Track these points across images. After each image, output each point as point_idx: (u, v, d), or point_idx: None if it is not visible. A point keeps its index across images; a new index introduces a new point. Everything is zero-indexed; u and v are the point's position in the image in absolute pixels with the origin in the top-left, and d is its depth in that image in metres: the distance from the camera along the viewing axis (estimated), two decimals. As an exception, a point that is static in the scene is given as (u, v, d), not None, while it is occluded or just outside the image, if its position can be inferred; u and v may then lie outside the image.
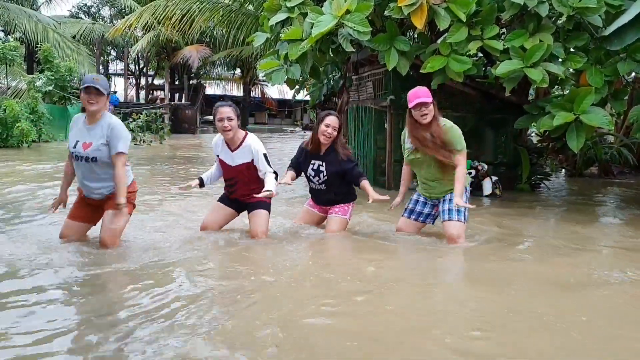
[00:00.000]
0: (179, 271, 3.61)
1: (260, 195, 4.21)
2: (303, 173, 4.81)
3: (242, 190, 4.48)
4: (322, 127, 4.58)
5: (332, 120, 4.61)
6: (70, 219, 4.17)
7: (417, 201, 4.75)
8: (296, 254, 4.21)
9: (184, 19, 12.46)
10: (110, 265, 3.69)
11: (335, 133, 4.61)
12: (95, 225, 4.24)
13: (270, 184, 4.25)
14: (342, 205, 4.79)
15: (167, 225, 5.01)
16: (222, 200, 4.63)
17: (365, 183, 4.63)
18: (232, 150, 4.39)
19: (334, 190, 4.72)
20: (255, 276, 3.58)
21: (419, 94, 4.33)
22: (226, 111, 4.23)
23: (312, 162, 4.70)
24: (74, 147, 3.94)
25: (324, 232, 4.77)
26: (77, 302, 3.07)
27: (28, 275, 3.43)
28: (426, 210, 4.71)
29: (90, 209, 4.15)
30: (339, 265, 4.01)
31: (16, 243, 4.16)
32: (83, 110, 4.11)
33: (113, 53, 35.95)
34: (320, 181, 4.69)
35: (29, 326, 2.65)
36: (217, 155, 4.52)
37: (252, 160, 4.34)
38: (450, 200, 4.48)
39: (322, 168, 4.65)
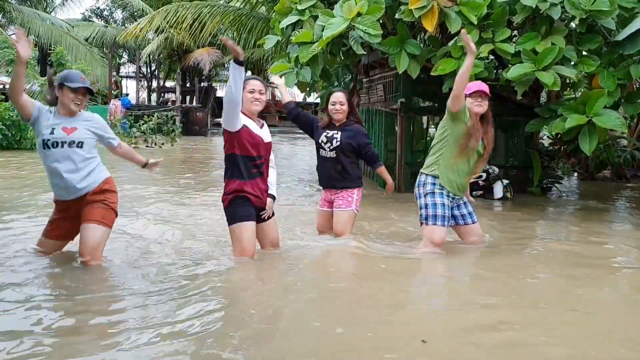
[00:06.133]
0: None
1: (269, 207, 4.01)
2: (315, 142, 4.68)
3: (265, 172, 3.98)
4: (330, 106, 4.58)
5: (335, 96, 4.56)
6: (45, 237, 3.88)
7: (446, 205, 4.30)
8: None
9: (195, 23, 12.50)
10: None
11: (343, 107, 4.53)
12: (72, 240, 3.91)
13: (274, 186, 4.10)
14: (344, 193, 4.54)
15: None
16: (247, 216, 3.86)
17: (383, 169, 4.68)
18: (260, 127, 3.95)
19: (342, 162, 4.52)
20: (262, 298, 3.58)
21: (480, 85, 4.32)
22: (258, 84, 3.89)
23: (327, 131, 4.59)
24: (51, 133, 3.58)
25: (334, 233, 4.58)
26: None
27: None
28: (449, 214, 4.38)
29: (68, 222, 3.79)
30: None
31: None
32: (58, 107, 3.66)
33: (125, 56, 36.21)
34: (331, 147, 4.52)
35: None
36: (243, 126, 3.80)
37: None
38: (468, 203, 4.54)
39: (337, 136, 4.53)
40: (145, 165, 4.08)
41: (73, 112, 3.66)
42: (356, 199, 4.56)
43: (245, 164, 3.82)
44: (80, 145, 3.64)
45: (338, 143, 4.50)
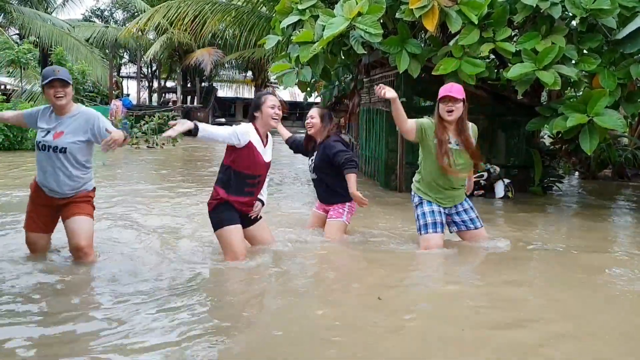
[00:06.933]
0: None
1: (257, 210, 4.05)
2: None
3: (257, 193, 4.01)
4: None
5: (310, 111, 4.73)
6: (29, 231, 3.87)
7: (435, 212, 4.30)
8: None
9: (196, 19, 12.47)
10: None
11: (313, 120, 4.63)
12: (52, 232, 3.96)
13: (264, 193, 4.14)
14: (337, 206, 4.67)
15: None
16: (233, 218, 3.87)
17: (350, 177, 4.41)
18: (265, 146, 3.95)
19: (325, 181, 4.64)
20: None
21: (450, 89, 4.16)
22: (276, 100, 3.97)
23: (311, 155, 4.75)
24: (44, 136, 3.67)
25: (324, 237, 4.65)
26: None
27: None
28: (443, 219, 4.35)
29: (48, 213, 3.83)
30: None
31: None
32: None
33: (126, 56, 36.25)
34: (311, 170, 4.72)
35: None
36: (248, 143, 3.80)
37: None
38: (471, 207, 4.46)
39: (313, 157, 4.68)
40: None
41: (61, 107, 3.66)
42: (347, 212, 4.69)
43: (239, 180, 3.83)
44: (63, 151, 3.65)
45: (313, 164, 4.68)
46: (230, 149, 3.81)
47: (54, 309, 3.02)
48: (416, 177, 4.46)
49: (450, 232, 4.52)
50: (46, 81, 3.60)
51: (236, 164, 3.80)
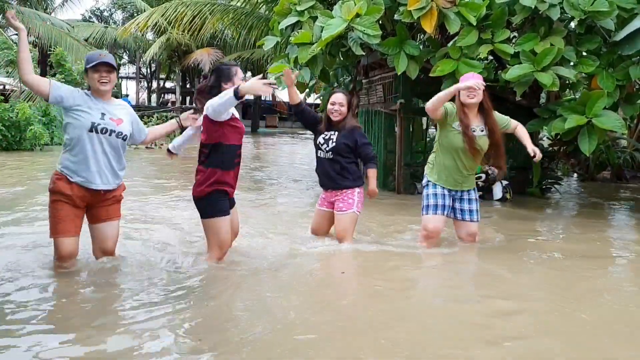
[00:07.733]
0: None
1: None
2: (314, 143, 4.68)
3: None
4: (329, 106, 4.55)
5: (336, 97, 4.53)
6: (65, 236, 3.53)
7: (438, 195, 4.45)
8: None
9: (195, 19, 12.44)
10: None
11: (342, 109, 4.50)
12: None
13: None
14: (345, 193, 4.49)
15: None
16: (226, 209, 3.82)
17: (372, 172, 4.53)
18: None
19: (340, 162, 4.48)
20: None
21: (471, 76, 4.37)
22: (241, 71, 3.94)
23: (325, 132, 4.57)
24: (101, 118, 3.50)
25: (335, 234, 4.59)
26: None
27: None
28: (448, 202, 4.46)
29: (80, 213, 3.61)
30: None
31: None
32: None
33: (125, 57, 36.24)
34: (328, 148, 4.50)
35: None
36: (232, 115, 3.74)
37: None
38: (476, 199, 4.57)
39: (333, 137, 4.51)
40: (181, 126, 3.99)
41: (103, 92, 3.54)
42: (357, 200, 4.51)
43: (231, 153, 3.75)
44: (125, 138, 3.62)
45: (334, 144, 4.49)
46: (214, 126, 3.68)
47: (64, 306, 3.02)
48: (428, 160, 4.63)
49: (448, 217, 4.57)
50: (91, 65, 3.48)
51: (227, 138, 3.72)
